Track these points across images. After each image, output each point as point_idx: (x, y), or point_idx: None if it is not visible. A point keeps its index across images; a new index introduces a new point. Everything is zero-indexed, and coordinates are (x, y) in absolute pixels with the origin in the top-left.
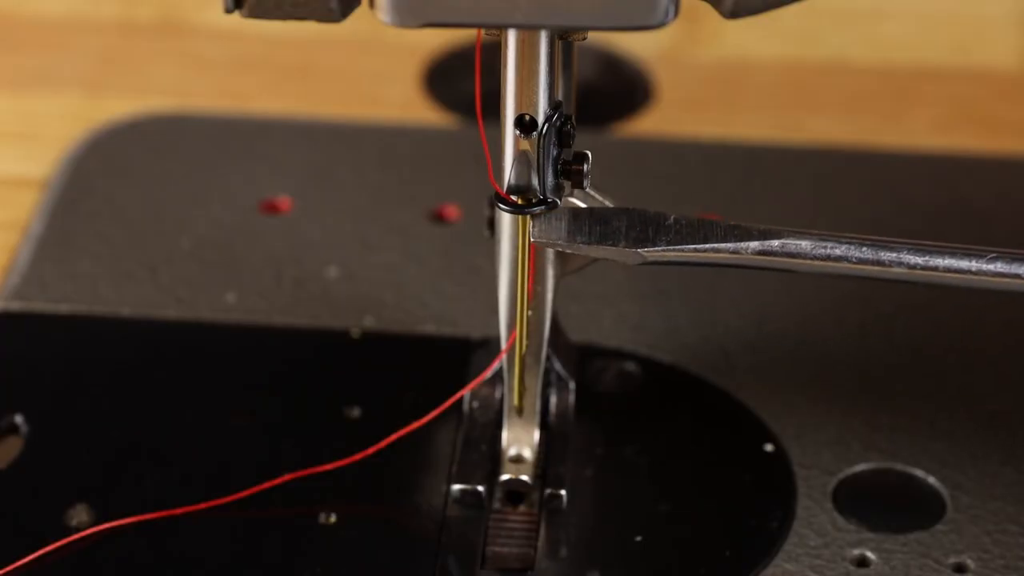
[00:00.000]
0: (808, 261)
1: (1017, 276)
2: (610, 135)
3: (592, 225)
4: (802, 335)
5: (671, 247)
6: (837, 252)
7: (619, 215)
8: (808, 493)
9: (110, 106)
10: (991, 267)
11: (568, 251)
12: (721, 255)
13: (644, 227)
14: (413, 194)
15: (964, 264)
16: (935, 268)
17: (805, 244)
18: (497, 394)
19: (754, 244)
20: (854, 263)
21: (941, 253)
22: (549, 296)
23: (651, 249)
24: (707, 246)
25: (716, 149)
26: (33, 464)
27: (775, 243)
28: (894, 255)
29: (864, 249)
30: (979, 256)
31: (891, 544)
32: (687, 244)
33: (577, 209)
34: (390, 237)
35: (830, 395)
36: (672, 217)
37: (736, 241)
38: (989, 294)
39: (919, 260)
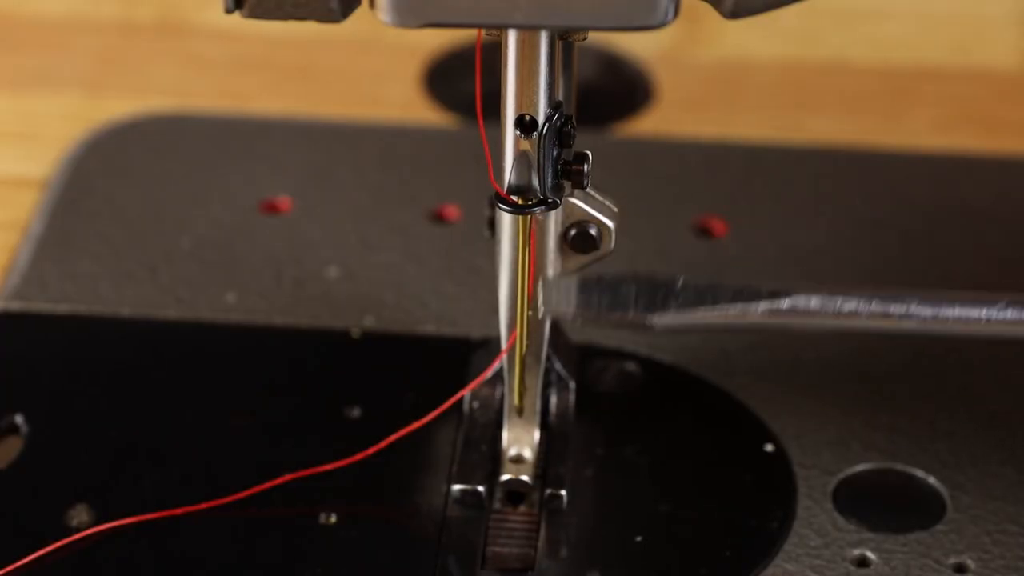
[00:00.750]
0: (818, 319)
1: None
2: (610, 135)
3: (601, 294)
4: (802, 335)
5: (681, 312)
6: (847, 308)
7: (628, 282)
8: (808, 493)
9: (110, 106)
10: (1003, 315)
11: (579, 322)
12: (731, 317)
13: (653, 293)
14: (413, 194)
15: (975, 313)
16: (946, 319)
17: (814, 302)
18: (497, 394)
19: (763, 305)
20: (864, 318)
21: (951, 303)
22: None
23: (661, 317)
24: (716, 310)
25: (716, 149)
26: (33, 464)
27: (784, 303)
28: (904, 308)
29: (874, 304)
30: (990, 305)
31: (891, 544)
32: (696, 309)
33: (586, 277)
34: (390, 237)
35: (830, 395)
36: (681, 280)
37: (745, 302)
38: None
39: (929, 312)
